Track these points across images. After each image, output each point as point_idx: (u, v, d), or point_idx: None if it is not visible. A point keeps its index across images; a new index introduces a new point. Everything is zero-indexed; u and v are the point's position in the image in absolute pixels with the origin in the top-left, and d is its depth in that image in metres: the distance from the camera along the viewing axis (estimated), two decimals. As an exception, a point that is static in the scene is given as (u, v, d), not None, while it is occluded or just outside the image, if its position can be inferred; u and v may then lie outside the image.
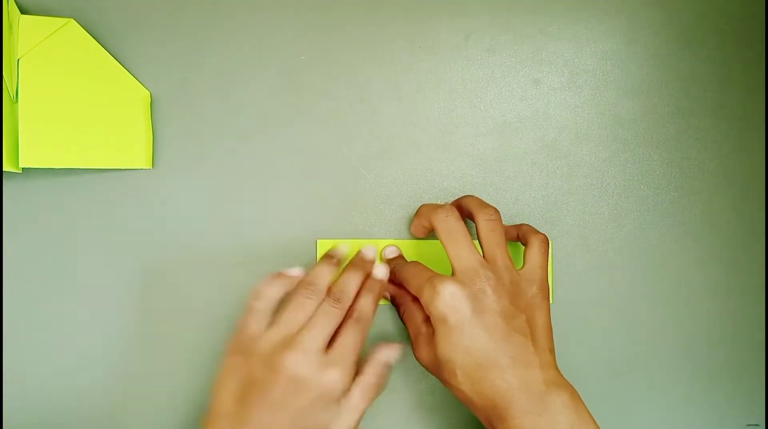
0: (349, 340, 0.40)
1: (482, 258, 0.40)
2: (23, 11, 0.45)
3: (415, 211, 0.47)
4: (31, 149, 0.44)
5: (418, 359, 0.42)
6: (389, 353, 0.42)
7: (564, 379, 0.39)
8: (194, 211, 0.47)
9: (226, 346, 0.41)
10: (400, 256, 0.46)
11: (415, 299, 0.43)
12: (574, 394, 0.38)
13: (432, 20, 0.48)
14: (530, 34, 0.48)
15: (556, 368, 0.39)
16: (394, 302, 0.45)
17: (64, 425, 0.46)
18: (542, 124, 0.48)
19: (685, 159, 0.48)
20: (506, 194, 0.48)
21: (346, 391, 0.39)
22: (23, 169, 0.44)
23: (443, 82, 0.48)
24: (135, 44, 0.46)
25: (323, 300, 0.41)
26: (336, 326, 0.40)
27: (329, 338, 0.40)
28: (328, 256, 0.44)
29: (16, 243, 0.46)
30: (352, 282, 0.42)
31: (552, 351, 0.40)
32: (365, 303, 0.42)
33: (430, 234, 0.45)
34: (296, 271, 0.42)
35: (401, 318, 0.44)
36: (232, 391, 0.39)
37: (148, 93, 0.46)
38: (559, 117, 0.48)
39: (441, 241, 0.41)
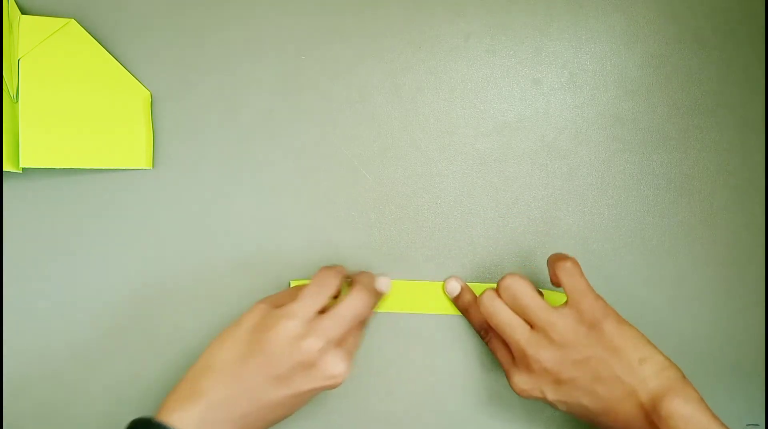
0: (357, 340, 0.42)
1: (528, 332, 0.40)
2: (23, 11, 0.45)
3: (414, 213, 0.47)
4: (31, 149, 0.44)
5: (513, 387, 0.42)
6: None
7: (668, 381, 0.38)
8: (194, 211, 0.47)
9: (260, 300, 0.41)
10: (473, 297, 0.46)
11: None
12: (679, 397, 0.37)
13: (432, 20, 0.48)
14: (530, 34, 0.48)
15: (657, 375, 0.38)
16: (479, 330, 0.46)
17: (64, 424, 0.46)
18: (542, 124, 0.48)
19: (685, 159, 0.48)
20: (506, 194, 0.48)
21: None
22: (23, 169, 0.44)
23: (443, 82, 0.48)
24: (135, 44, 0.47)
25: (353, 289, 0.41)
26: (357, 323, 0.42)
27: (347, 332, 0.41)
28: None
29: (16, 243, 0.46)
30: (372, 283, 0.44)
31: (642, 360, 0.39)
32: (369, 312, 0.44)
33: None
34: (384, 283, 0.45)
35: (486, 344, 0.46)
36: (241, 347, 0.39)
37: (148, 93, 0.46)
38: (559, 117, 0.48)
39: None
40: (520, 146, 0.48)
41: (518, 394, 0.41)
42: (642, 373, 0.38)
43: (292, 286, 0.46)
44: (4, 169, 0.43)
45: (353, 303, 0.41)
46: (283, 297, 0.42)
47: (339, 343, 0.40)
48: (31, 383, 0.45)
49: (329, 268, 0.42)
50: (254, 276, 0.46)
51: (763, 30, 0.49)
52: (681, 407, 0.37)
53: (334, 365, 0.39)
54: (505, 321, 0.41)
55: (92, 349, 0.46)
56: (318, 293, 0.41)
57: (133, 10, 0.47)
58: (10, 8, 0.44)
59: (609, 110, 0.48)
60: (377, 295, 0.43)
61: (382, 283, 0.45)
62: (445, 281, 0.47)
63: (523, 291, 0.41)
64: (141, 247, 0.46)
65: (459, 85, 0.48)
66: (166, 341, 0.46)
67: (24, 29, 0.44)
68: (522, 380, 0.41)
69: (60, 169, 0.45)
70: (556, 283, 0.42)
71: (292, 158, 0.47)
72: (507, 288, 0.41)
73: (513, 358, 0.42)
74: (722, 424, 0.37)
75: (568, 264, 0.41)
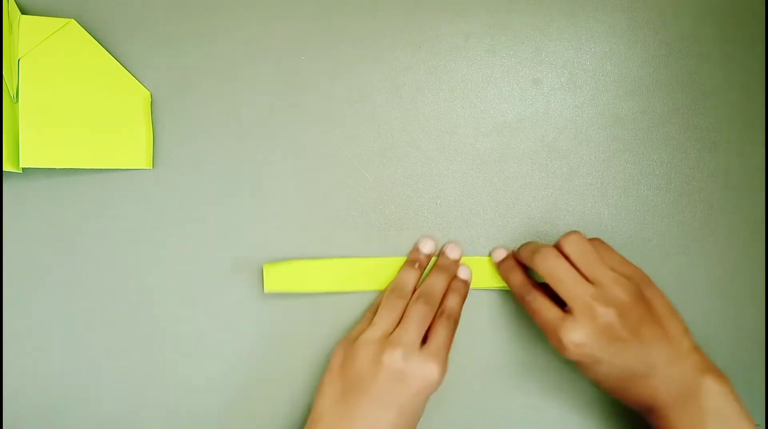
0: (441, 336, 0.42)
1: (592, 288, 0.40)
2: (23, 11, 0.45)
3: (414, 213, 0.47)
4: (31, 149, 0.44)
5: (565, 341, 0.40)
6: None
7: (705, 360, 0.40)
8: (194, 211, 0.47)
9: (339, 341, 0.44)
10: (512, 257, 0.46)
11: (539, 288, 0.43)
12: (716, 378, 0.39)
13: (432, 20, 0.48)
14: (530, 34, 0.48)
15: (695, 350, 0.40)
16: (518, 293, 0.45)
17: (64, 425, 0.46)
18: (542, 124, 0.48)
19: (685, 159, 0.48)
20: (506, 194, 0.48)
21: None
22: (23, 169, 0.44)
23: (443, 82, 0.48)
24: (135, 44, 0.46)
25: (411, 300, 0.43)
26: (428, 324, 0.42)
27: (423, 335, 0.42)
28: (411, 262, 0.46)
29: (16, 243, 0.46)
30: (438, 284, 0.44)
31: (685, 331, 0.41)
32: (453, 303, 0.44)
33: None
34: (427, 247, 0.46)
35: (527, 309, 0.44)
36: (336, 390, 0.41)
37: (148, 93, 0.46)
38: (559, 117, 0.48)
39: (548, 283, 0.42)
40: (520, 146, 0.48)
41: (569, 349, 0.40)
42: (686, 343, 0.40)
43: (264, 268, 0.45)
44: (4, 169, 0.43)
45: (413, 306, 0.42)
46: (360, 325, 0.44)
47: (422, 345, 0.41)
48: (30, 384, 0.45)
49: (394, 291, 0.44)
50: (254, 276, 0.46)
51: (763, 30, 0.49)
52: (719, 386, 0.39)
53: (422, 367, 0.40)
54: (570, 277, 0.41)
55: (92, 350, 0.46)
56: (387, 316, 0.42)
57: (133, 10, 0.47)
58: (10, 8, 0.44)
59: (609, 110, 0.48)
60: (459, 292, 0.45)
61: (463, 274, 0.46)
62: (492, 251, 0.47)
63: (589, 248, 0.41)
64: (141, 247, 0.46)
65: (459, 85, 0.48)
66: (166, 341, 0.46)
67: (24, 29, 0.44)
68: (579, 333, 0.39)
69: (60, 169, 0.45)
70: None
71: (292, 158, 0.47)
72: (574, 242, 0.41)
73: (563, 314, 0.41)
74: (747, 412, 0.39)
75: (596, 241, 0.43)
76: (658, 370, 0.40)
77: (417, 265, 0.45)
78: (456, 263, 0.46)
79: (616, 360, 0.40)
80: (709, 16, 0.48)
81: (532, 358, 0.47)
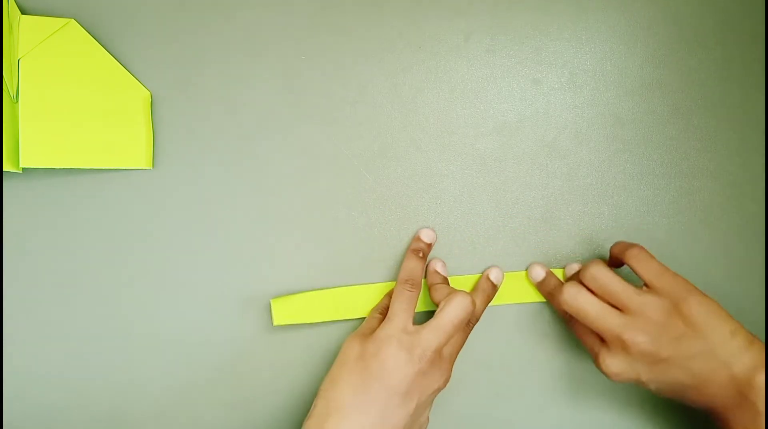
0: (458, 345, 0.43)
1: (620, 318, 0.40)
2: (23, 11, 0.45)
3: (414, 213, 0.47)
4: (31, 149, 0.44)
5: (605, 371, 0.41)
6: None
7: (757, 357, 0.38)
8: (194, 212, 0.47)
9: (350, 335, 0.43)
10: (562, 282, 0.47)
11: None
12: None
13: (432, 20, 0.48)
14: (530, 34, 0.48)
15: (746, 349, 0.39)
16: (563, 315, 0.46)
17: (65, 425, 0.46)
18: (542, 124, 0.48)
19: (685, 159, 0.48)
20: (506, 194, 0.48)
21: None
22: (23, 169, 0.44)
23: (443, 82, 0.48)
24: (135, 44, 0.46)
25: (443, 302, 0.42)
26: None
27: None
28: (414, 251, 0.46)
29: (16, 243, 0.46)
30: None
31: (733, 333, 0.39)
32: (478, 308, 0.45)
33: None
34: (429, 237, 0.47)
35: (570, 327, 0.46)
36: (355, 381, 0.40)
37: (148, 93, 0.46)
38: (559, 117, 0.48)
39: (579, 320, 0.42)
40: (520, 146, 0.48)
41: (610, 377, 0.41)
42: (734, 345, 0.39)
43: (272, 303, 0.45)
44: (4, 169, 0.43)
45: (453, 312, 0.41)
46: (370, 323, 0.43)
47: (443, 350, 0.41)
48: (30, 384, 0.45)
49: (407, 282, 0.43)
50: (254, 276, 0.46)
51: (763, 30, 0.49)
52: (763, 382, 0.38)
53: (441, 372, 0.41)
54: (595, 314, 0.41)
55: (92, 350, 0.46)
56: (405, 310, 0.42)
57: (133, 10, 0.47)
58: (10, 8, 0.44)
59: (609, 110, 0.48)
60: (485, 294, 0.45)
61: (493, 275, 0.47)
62: (528, 267, 0.47)
63: (611, 278, 0.41)
64: (141, 247, 0.46)
65: (459, 85, 0.48)
66: (166, 341, 0.46)
67: (24, 29, 0.44)
68: (616, 363, 0.41)
69: (60, 169, 0.45)
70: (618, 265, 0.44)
71: (292, 158, 0.47)
72: (594, 278, 0.42)
73: (602, 341, 0.42)
74: None
75: (635, 250, 0.42)
76: (707, 379, 0.39)
77: (421, 254, 0.46)
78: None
79: (663, 378, 0.40)
80: (709, 16, 0.48)
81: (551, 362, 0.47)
